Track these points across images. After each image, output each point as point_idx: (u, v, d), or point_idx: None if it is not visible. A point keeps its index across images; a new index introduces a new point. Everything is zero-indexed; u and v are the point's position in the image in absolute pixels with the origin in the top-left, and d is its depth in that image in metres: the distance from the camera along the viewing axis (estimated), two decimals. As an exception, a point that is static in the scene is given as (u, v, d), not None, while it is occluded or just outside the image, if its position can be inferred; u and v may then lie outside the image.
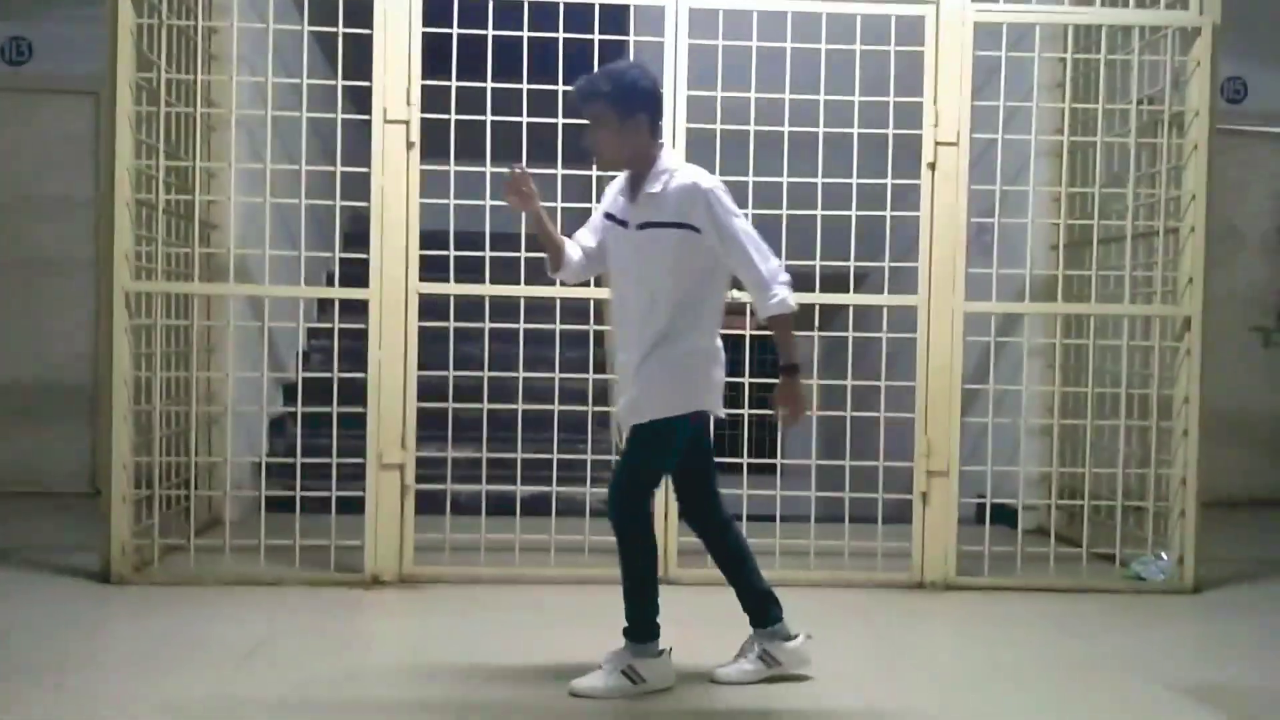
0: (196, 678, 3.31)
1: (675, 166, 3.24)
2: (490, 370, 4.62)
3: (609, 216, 3.36)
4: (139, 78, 4.38)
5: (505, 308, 4.67)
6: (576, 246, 3.47)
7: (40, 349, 6.21)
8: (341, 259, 5.03)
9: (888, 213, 4.62)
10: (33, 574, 4.45)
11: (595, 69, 3.39)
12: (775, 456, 5.00)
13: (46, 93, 6.21)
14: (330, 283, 5.67)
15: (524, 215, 3.53)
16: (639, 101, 3.22)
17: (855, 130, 4.59)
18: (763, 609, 3.39)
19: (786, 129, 4.58)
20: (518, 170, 3.31)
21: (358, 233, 4.54)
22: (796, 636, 3.40)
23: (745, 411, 4.74)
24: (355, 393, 4.49)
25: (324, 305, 6.53)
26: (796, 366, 3.24)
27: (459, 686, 3.31)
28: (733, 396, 4.83)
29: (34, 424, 6.18)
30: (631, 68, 3.30)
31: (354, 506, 4.47)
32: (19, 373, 6.18)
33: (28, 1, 6.10)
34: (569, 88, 4.42)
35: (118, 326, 4.33)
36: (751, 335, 4.69)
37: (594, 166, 4.45)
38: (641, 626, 3.27)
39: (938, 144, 4.48)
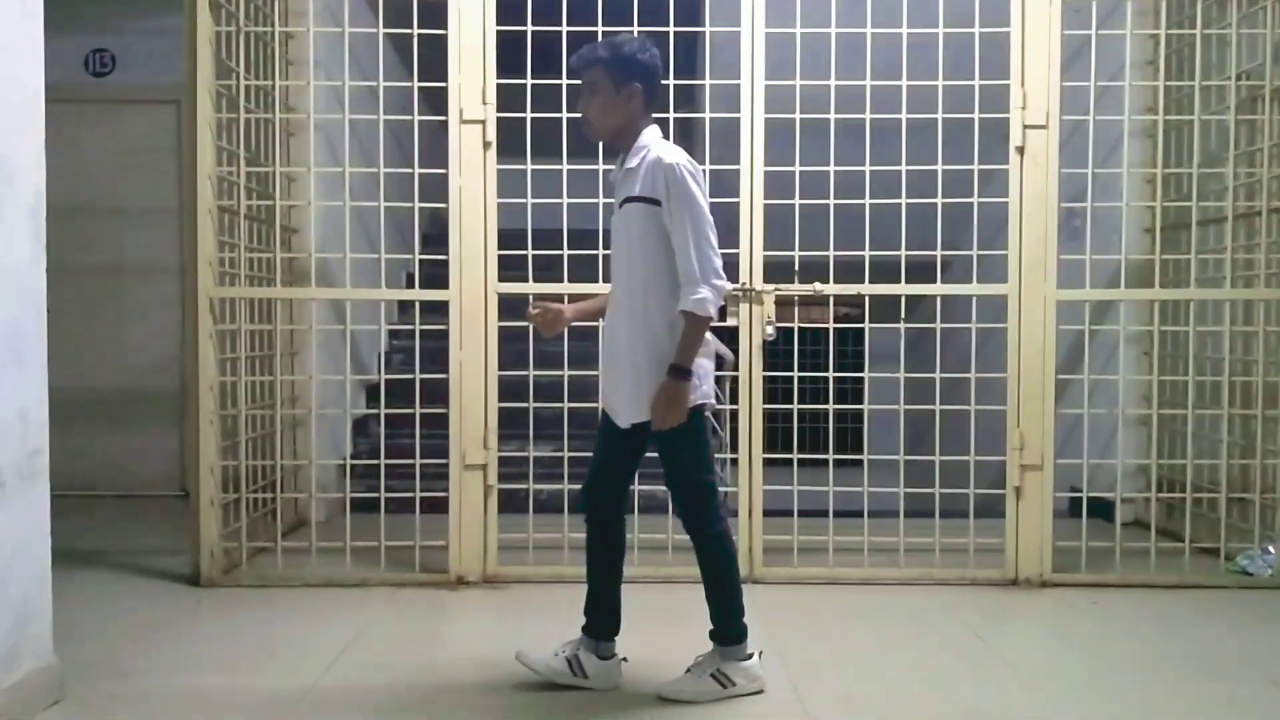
0: (286, 679, 3.32)
1: (652, 143, 3.15)
2: (570, 369, 4.58)
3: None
4: (218, 85, 4.42)
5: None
6: None
7: (128, 354, 6.32)
8: (422, 260, 5.03)
9: (974, 199, 4.49)
10: (124, 576, 4.52)
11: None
12: (861, 451, 4.90)
13: (129, 103, 6.31)
14: (410, 284, 5.70)
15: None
16: (636, 73, 3.15)
17: (939, 115, 4.47)
18: (600, 622, 3.33)
19: (868, 116, 4.46)
20: (534, 312, 3.40)
21: (436, 234, 4.54)
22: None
23: (830, 406, 4.65)
24: (436, 393, 4.50)
25: (404, 306, 6.59)
26: (685, 371, 3.05)
27: (544, 686, 3.27)
28: (816, 390, 4.77)
29: (123, 428, 6.30)
30: (633, 40, 3.24)
31: (437, 506, 4.48)
32: (108, 378, 6.30)
33: (109, 14, 6.21)
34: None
35: (203, 332, 4.37)
36: (834, 329, 4.60)
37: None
38: (729, 629, 3.21)
39: (1026, 127, 4.34)
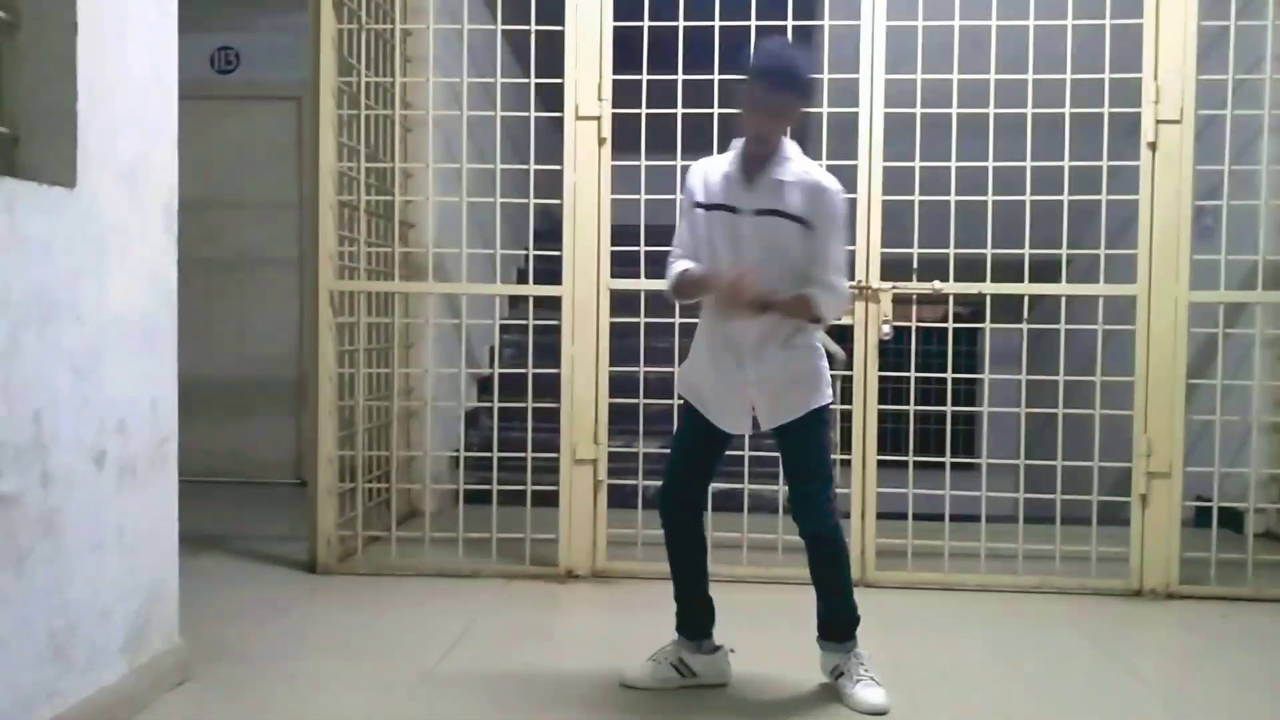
0: (402, 666, 3.37)
1: (797, 157, 3.05)
2: (679, 365, 4.55)
3: (708, 206, 3.06)
4: (340, 82, 4.50)
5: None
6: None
7: (248, 345, 6.50)
8: (535, 255, 5.06)
9: (1104, 196, 4.34)
10: (244, 562, 4.65)
11: (770, 49, 3.04)
12: (979, 455, 4.78)
13: (253, 99, 6.48)
14: (521, 279, 5.73)
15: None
16: (813, 92, 3.18)
17: (1067, 110, 4.33)
18: (694, 622, 3.28)
19: (991, 110, 4.35)
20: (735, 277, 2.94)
21: (547, 229, 4.56)
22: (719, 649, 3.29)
23: (948, 408, 4.55)
24: (547, 387, 4.52)
25: (514, 301, 6.65)
26: (771, 306, 2.98)
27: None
28: (931, 391, 4.67)
29: (243, 417, 6.47)
30: (804, 54, 3.11)
31: (548, 500, 4.50)
32: (229, 368, 6.48)
33: (235, 13, 6.38)
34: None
35: (323, 324, 4.46)
36: (954, 329, 4.51)
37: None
38: (850, 627, 3.19)
39: (1159, 122, 4.19)
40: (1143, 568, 4.28)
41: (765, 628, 3.77)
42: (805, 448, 3.11)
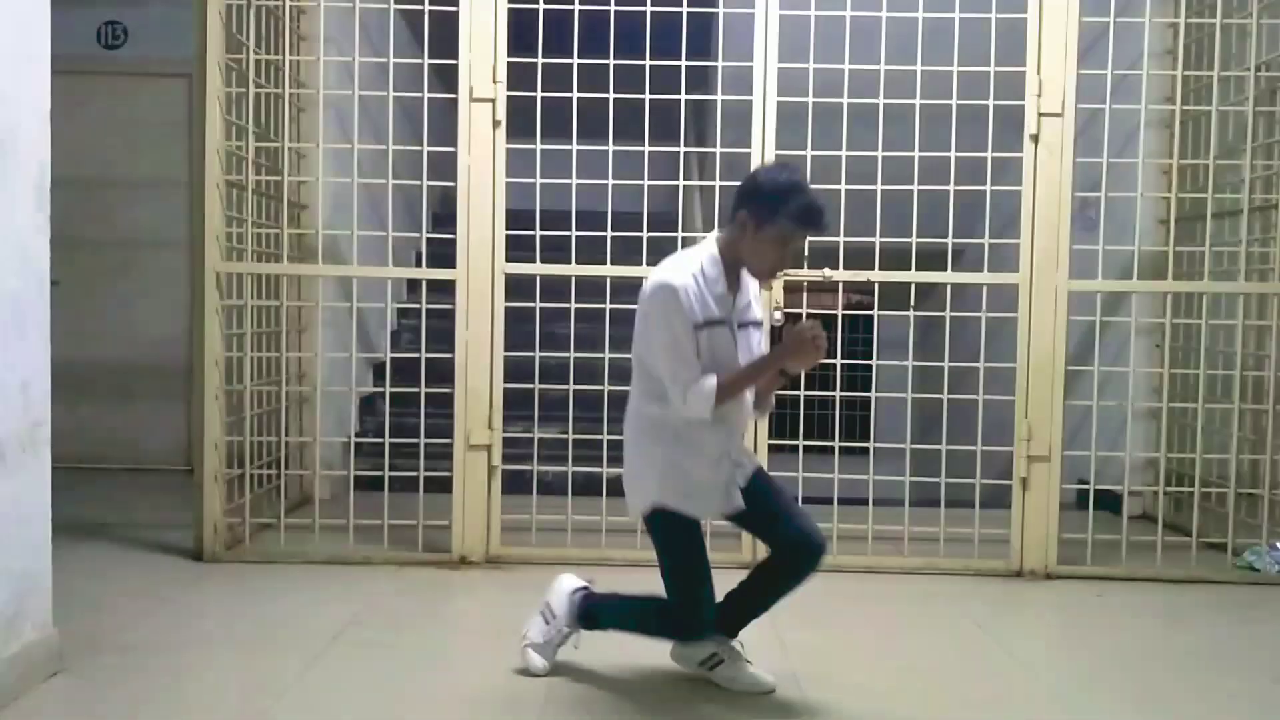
0: (286, 657, 3.31)
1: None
2: (576, 351, 4.56)
3: (710, 324, 2.91)
4: (228, 59, 4.41)
5: (591, 288, 4.61)
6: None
7: (137, 328, 6.33)
8: (431, 239, 5.01)
9: (988, 187, 4.45)
10: (127, 550, 4.53)
11: (797, 183, 2.86)
12: (867, 439, 4.87)
13: (142, 75, 6.32)
14: (419, 263, 5.67)
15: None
16: None
17: (954, 101, 4.42)
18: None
19: (881, 101, 4.42)
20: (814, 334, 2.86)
21: (448, 214, 4.52)
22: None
23: (838, 393, 4.63)
24: (444, 373, 4.49)
25: (414, 285, 6.58)
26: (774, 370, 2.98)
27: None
28: (824, 377, 4.73)
29: (131, 402, 6.32)
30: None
31: (444, 486, 4.47)
32: (117, 351, 6.31)
33: (123, -14, 6.20)
34: (656, 63, 4.40)
35: (209, 307, 4.37)
36: (843, 315, 4.58)
37: (681, 144, 4.42)
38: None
39: (1041, 115, 4.30)
40: (1023, 549, 4.41)
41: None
42: (783, 490, 3.14)
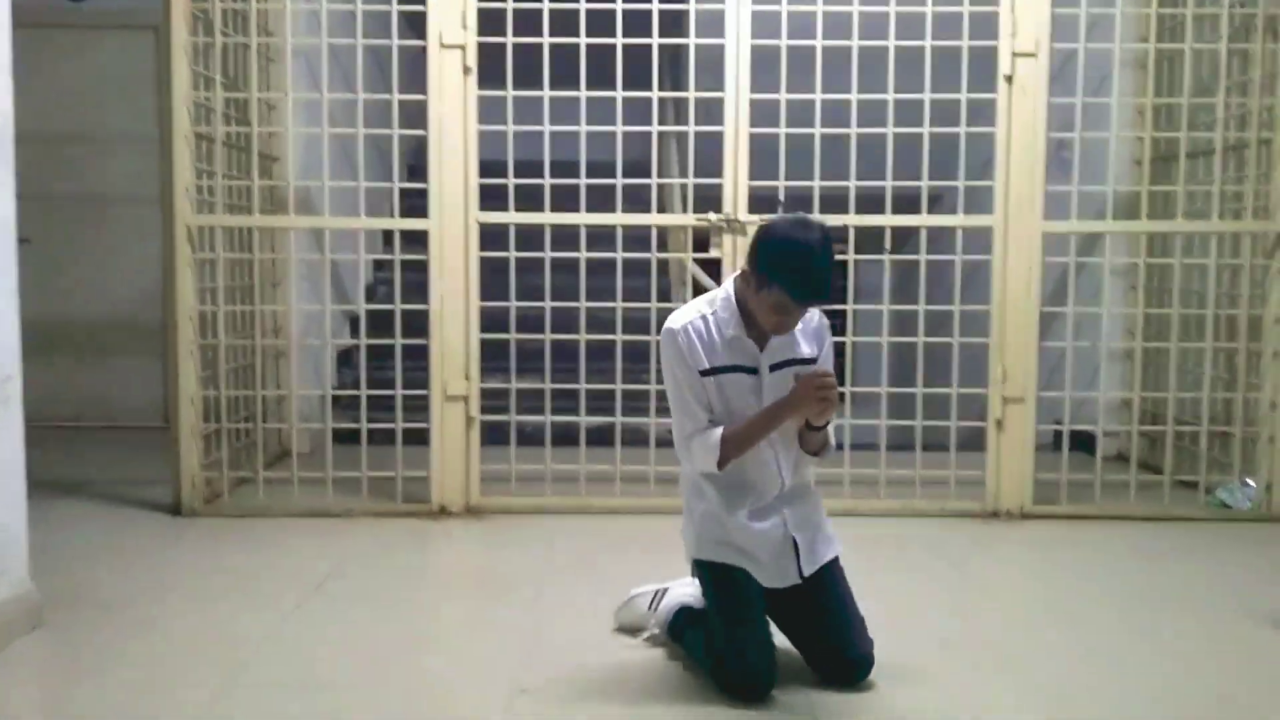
0: (265, 610, 3.32)
1: None
2: (552, 300, 4.55)
3: (719, 370, 2.74)
4: (194, 8, 4.34)
5: (566, 237, 4.59)
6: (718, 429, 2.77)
7: (111, 285, 6.28)
8: (405, 190, 4.96)
9: (962, 129, 4.42)
10: (106, 507, 4.53)
11: (801, 255, 2.58)
12: (844, 384, 4.88)
13: (109, 28, 6.21)
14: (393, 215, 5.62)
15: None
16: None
17: (928, 43, 4.38)
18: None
19: (855, 43, 4.38)
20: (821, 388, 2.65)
21: (422, 165, 4.47)
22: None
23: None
24: (422, 326, 4.47)
25: (392, 238, 6.53)
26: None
27: (527, 615, 3.29)
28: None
29: (107, 359, 6.28)
30: (823, 238, 2.63)
31: (421, 438, 4.47)
32: (92, 308, 6.27)
33: (88, -62, 6.08)
34: (628, 6, 4.35)
35: (180, 260, 4.33)
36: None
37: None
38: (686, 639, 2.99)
39: (1015, 55, 4.27)
40: (998, 490, 4.45)
41: (632, 554, 3.83)
42: (846, 593, 2.87)
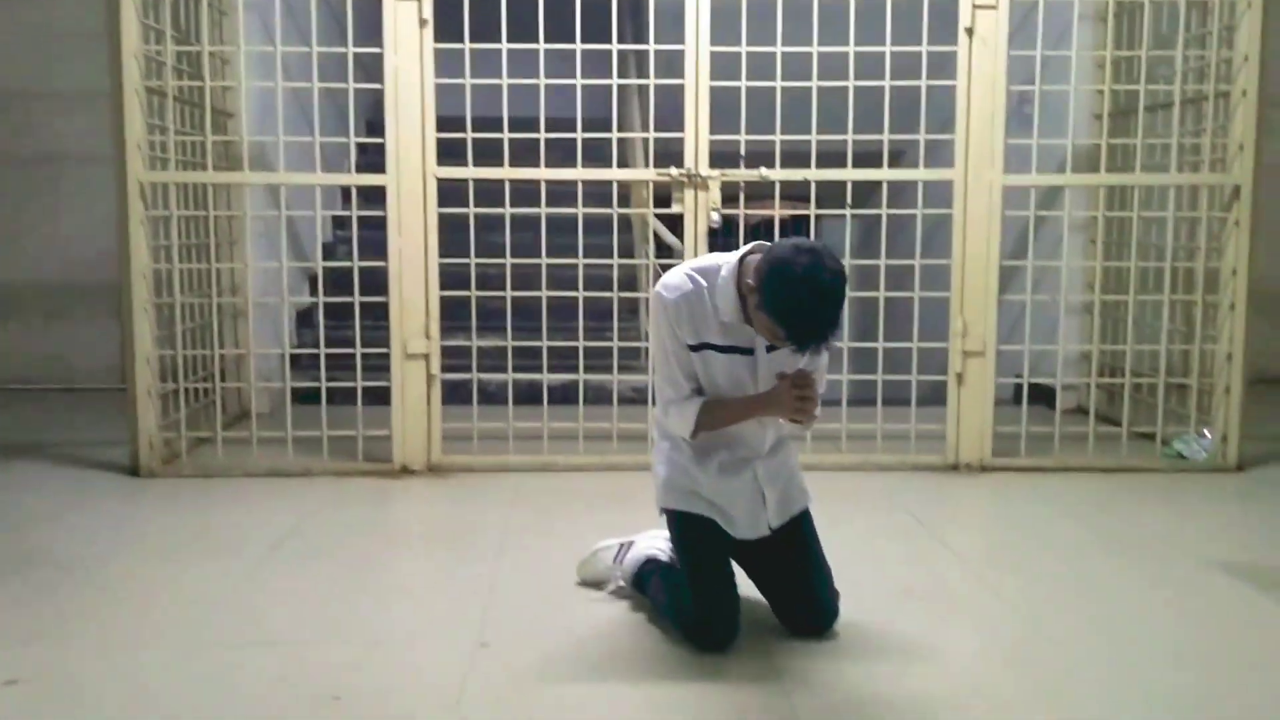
0: (224, 568, 3.30)
1: None
2: (513, 257, 4.51)
3: (705, 347, 2.68)
4: (142, -42, 4.24)
5: (526, 194, 4.55)
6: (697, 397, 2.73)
7: (65, 245, 6.19)
8: (363, 146, 4.89)
9: (923, 82, 4.41)
10: (63, 468, 4.48)
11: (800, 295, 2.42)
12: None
13: (57, -18, 6.07)
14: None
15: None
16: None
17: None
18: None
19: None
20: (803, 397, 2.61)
21: (381, 120, 4.41)
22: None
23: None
24: (381, 284, 4.42)
25: (350, 195, 6.45)
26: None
27: (488, 572, 3.28)
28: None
29: (63, 320, 6.21)
30: (828, 271, 2.44)
31: (382, 398, 4.44)
32: (46, 269, 6.18)
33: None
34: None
35: (133, 218, 4.27)
36: (779, 217, 4.56)
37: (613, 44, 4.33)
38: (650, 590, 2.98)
39: (976, 7, 4.26)
40: (959, 443, 4.48)
41: (596, 510, 3.83)
42: (815, 544, 2.86)
